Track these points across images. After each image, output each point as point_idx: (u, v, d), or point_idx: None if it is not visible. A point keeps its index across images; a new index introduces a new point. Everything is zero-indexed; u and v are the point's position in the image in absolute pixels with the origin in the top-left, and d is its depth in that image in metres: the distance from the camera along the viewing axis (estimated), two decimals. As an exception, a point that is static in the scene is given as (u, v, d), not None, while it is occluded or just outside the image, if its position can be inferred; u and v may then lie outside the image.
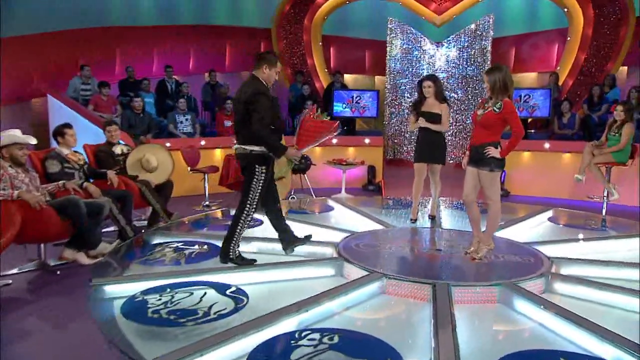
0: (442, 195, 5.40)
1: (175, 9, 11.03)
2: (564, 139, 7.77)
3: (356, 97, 8.81)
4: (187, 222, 5.23)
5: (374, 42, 11.35)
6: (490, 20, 8.41)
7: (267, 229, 4.93)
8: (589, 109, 8.20)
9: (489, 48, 8.57)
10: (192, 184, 7.16)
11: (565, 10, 9.58)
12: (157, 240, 4.46)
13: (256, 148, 3.55)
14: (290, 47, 10.47)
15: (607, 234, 4.94)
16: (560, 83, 9.17)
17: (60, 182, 4.43)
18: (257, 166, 3.57)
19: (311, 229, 4.41)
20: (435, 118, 4.85)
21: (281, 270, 3.63)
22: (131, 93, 8.28)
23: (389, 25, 8.90)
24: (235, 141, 3.69)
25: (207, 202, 6.72)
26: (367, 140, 8.38)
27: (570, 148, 7.34)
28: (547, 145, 7.51)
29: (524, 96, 8.29)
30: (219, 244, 4.25)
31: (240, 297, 3.19)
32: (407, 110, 8.67)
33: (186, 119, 7.95)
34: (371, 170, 8.14)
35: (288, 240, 3.91)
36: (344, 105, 8.77)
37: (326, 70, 10.91)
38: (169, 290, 3.26)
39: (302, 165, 6.85)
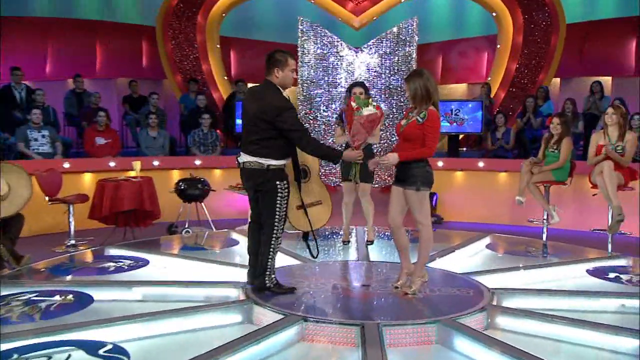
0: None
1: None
2: (499, 157, 8.39)
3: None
4: (43, 267, 4.92)
5: (282, 45, 11.49)
6: (414, 23, 8.98)
7: (152, 269, 4.84)
8: (524, 123, 8.97)
9: (414, 55, 9.12)
10: (51, 218, 6.77)
11: (494, 14, 10.52)
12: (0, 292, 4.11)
13: (274, 162, 3.79)
14: (180, 49, 10.35)
15: (549, 260, 5.35)
16: (492, 95, 9.97)
17: None
18: (278, 182, 3.81)
19: (211, 267, 4.33)
20: None
21: (173, 319, 3.53)
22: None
23: (299, 27, 9.15)
24: (241, 154, 3.91)
25: (72, 241, 6.34)
26: (277, 161, 8.42)
27: (506, 167, 7.93)
28: (481, 164, 8.06)
29: (455, 110, 8.87)
30: (89, 291, 4.08)
31: (119, 357, 3.05)
32: (323, 126, 8.89)
33: (42, 136, 7.56)
34: (283, 196, 8.17)
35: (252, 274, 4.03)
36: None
37: (226, 77, 10.90)
38: (16, 356, 3.01)
39: (197, 192, 6.74)
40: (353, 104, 3.99)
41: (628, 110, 7.12)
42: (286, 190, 3.85)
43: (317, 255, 4.23)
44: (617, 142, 5.65)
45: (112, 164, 7.63)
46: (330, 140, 8.23)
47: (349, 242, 5.53)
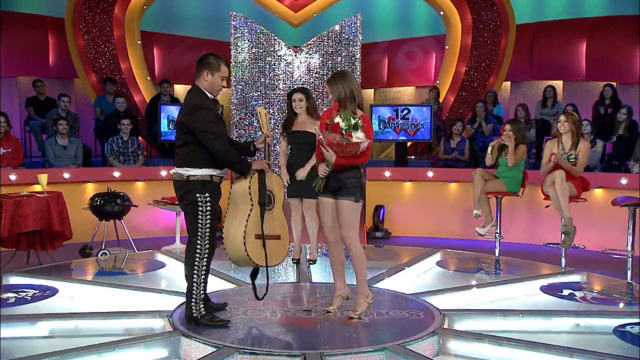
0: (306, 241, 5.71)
1: None
2: (449, 166, 8.62)
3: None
4: None
5: (212, 42, 11.44)
6: (358, 21, 9.14)
7: (61, 300, 4.69)
8: (474, 129, 9.27)
9: (358, 56, 9.27)
10: None
11: (442, 13, 10.87)
12: None
13: (195, 172, 3.81)
14: (94, 45, 10.09)
15: (502, 277, 5.57)
16: (441, 99, 10.27)
17: None
18: (198, 195, 3.82)
19: (132, 294, 4.25)
20: (309, 139, 5.07)
21: (87, 357, 3.44)
22: None
23: (232, 22, 9.12)
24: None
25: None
26: (207, 172, 8.37)
27: (456, 177, 8.18)
28: (430, 173, 8.28)
29: (405, 115, 9.04)
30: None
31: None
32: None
33: None
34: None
35: None
36: (175, 125, 8.68)
37: (149, 77, 10.71)
38: None
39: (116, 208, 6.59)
40: (341, 122, 3.82)
41: (580, 117, 7.49)
42: (208, 204, 3.84)
43: (264, 296, 4.11)
44: (571, 150, 5.93)
45: (12, 177, 7.38)
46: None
47: (299, 260, 5.56)
